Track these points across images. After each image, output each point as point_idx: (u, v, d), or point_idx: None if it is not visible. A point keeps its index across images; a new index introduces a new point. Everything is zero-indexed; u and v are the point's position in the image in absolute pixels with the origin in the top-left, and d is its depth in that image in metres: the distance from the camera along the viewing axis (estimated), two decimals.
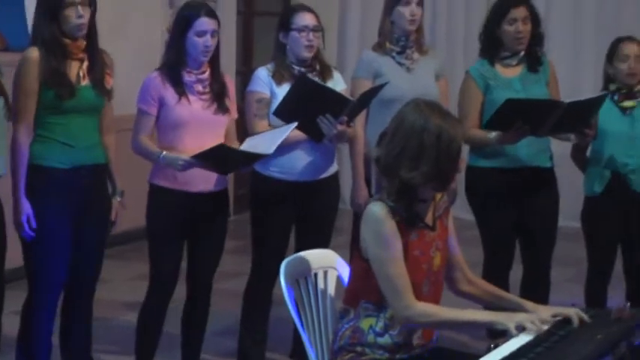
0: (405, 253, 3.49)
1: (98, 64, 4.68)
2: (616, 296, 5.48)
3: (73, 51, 4.58)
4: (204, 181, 4.89)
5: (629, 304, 3.81)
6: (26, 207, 4.55)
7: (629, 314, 3.62)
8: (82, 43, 4.61)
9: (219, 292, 5.91)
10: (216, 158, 4.71)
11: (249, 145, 4.87)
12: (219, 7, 9.76)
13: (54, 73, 4.53)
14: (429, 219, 3.60)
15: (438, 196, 3.65)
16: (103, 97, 4.72)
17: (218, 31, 4.88)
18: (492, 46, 5.54)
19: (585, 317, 3.54)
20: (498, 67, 5.53)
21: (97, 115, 4.72)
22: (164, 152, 4.77)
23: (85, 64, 4.63)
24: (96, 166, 4.73)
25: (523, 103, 5.16)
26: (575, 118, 5.21)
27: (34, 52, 4.55)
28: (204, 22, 4.80)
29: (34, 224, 4.55)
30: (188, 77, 4.88)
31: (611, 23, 9.60)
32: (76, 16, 4.51)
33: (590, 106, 5.25)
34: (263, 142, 4.84)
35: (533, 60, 5.54)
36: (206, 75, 4.92)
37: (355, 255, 3.62)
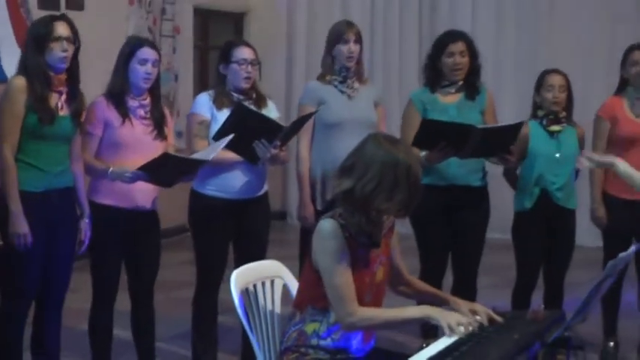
0: (351, 266, 3.50)
1: (77, 97, 4.70)
2: (536, 300, 5.52)
3: (55, 83, 4.59)
4: (144, 198, 4.90)
5: (542, 306, 3.86)
6: (24, 225, 4.53)
7: (543, 315, 3.67)
8: (64, 77, 4.63)
9: (174, 300, 5.92)
10: (160, 169, 4.71)
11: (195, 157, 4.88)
12: (179, 42, 9.81)
13: (38, 99, 4.53)
14: (375, 237, 3.61)
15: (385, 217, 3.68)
16: (76, 127, 4.72)
17: (159, 62, 4.93)
18: (434, 76, 5.58)
19: (496, 316, 3.58)
20: (438, 95, 5.55)
21: (69, 143, 4.71)
22: (112, 167, 4.77)
23: (64, 96, 4.64)
24: (66, 189, 4.71)
25: (438, 124, 5.19)
26: (493, 144, 5.23)
27: (20, 80, 4.56)
28: (147, 52, 4.85)
29: (29, 243, 4.55)
30: (131, 102, 4.89)
31: (527, 60, 9.74)
32: (61, 49, 4.53)
33: (507, 133, 5.25)
34: (201, 154, 4.86)
35: (471, 89, 5.57)
36: (147, 102, 4.94)
37: (306, 266, 3.62)
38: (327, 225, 3.50)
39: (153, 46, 4.97)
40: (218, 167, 5.07)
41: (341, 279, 3.46)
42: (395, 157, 3.44)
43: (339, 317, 3.49)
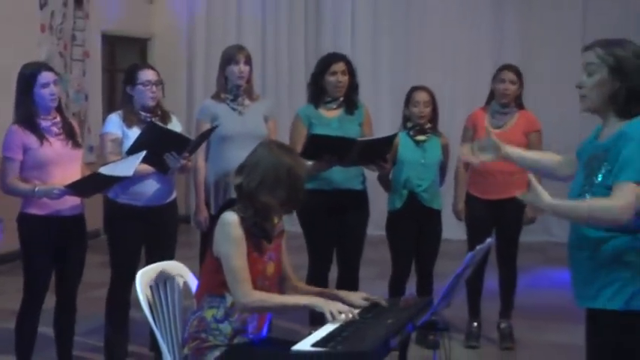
0: (247, 254, 3.55)
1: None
2: (409, 289, 5.60)
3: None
4: (67, 206, 4.84)
5: (413, 294, 3.92)
6: None
7: (413, 302, 3.72)
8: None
9: (89, 299, 5.80)
10: (86, 185, 4.67)
11: (108, 170, 4.81)
12: (89, 65, 9.66)
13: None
14: (268, 231, 3.67)
15: (276, 220, 3.72)
16: None
17: (59, 81, 4.89)
18: (317, 93, 5.61)
19: (383, 301, 3.64)
20: (322, 110, 5.58)
21: None
22: (37, 187, 4.70)
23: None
24: None
25: (324, 138, 5.23)
26: (372, 153, 5.31)
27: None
28: (46, 76, 4.80)
29: None
30: (44, 123, 4.83)
31: (401, 76, 9.88)
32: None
33: (383, 144, 5.33)
34: (119, 167, 4.80)
35: (350, 104, 5.61)
36: (58, 119, 4.90)
37: (207, 256, 3.65)
38: (229, 216, 3.57)
39: (49, 68, 4.93)
40: (132, 178, 4.98)
41: (238, 262, 3.51)
42: (278, 159, 3.56)
43: (235, 298, 3.51)
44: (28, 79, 4.78)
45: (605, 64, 3.16)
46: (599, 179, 3.16)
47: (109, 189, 5.00)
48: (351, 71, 5.60)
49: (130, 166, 4.77)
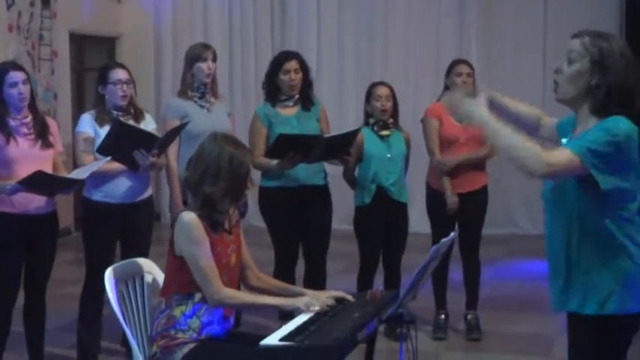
0: (211, 249, 3.53)
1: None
2: (377, 283, 5.61)
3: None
4: (36, 205, 4.82)
5: (381, 288, 3.92)
6: None
7: (380, 295, 3.73)
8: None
9: (61, 296, 5.79)
10: (37, 183, 4.65)
11: (74, 174, 4.85)
12: (57, 64, 9.59)
13: None
14: (226, 226, 3.66)
15: (231, 210, 3.70)
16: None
17: (29, 80, 4.85)
18: (273, 92, 5.59)
19: (350, 297, 3.64)
20: (279, 108, 5.56)
21: None
22: None
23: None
24: None
25: (293, 137, 5.24)
26: (336, 148, 5.33)
27: None
28: (14, 75, 4.77)
29: None
30: (13, 123, 4.81)
31: (366, 73, 9.90)
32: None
33: (346, 139, 5.36)
34: (82, 171, 4.84)
35: (306, 101, 5.60)
36: (29, 119, 4.87)
37: (169, 256, 3.62)
38: (186, 216, 3.54)
39: (18, 67, 4.90)
40: (105, 176, 5.04)
41: (205, 261, 3.50)
42: (220, 150, 3.55)
43: (207, 296, 3.50)
44: None
45: (589, 55, 2.98)
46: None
47: (68, 192, 4.95)
48: (304, 68, 5.59)
49: (88, 170, 4.82)
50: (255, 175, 5.73)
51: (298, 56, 5.63)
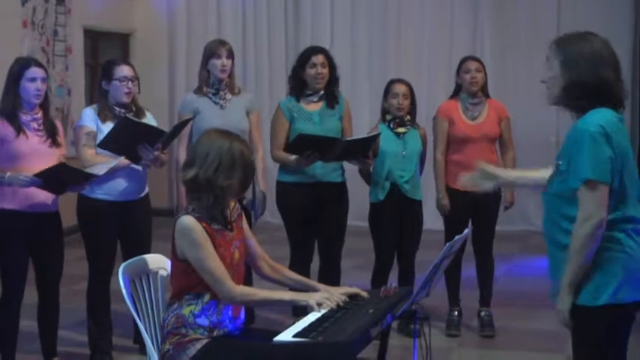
0: (214, 250, 3.52)
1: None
2: (391, 279, 5.61)
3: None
4: (39, 203, 4.83)
5: (394, 284, 3.92)
6: None
7: (394, 292, 3.73)
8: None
9: (71, 293, 5.79)
10: (54, 177, 4.66)
11: (93, 170, 4.86)
12: (71, 60, 9.62)
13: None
14: (227, 221, 3.64)
15: (232, 204, 3.70)
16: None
17: (47, 79, 4.87)
18: (298, 86, 5.59)
19: (364, 293, 3.64)
20: (303, 103, 5.56)
21: None
22: (8, 173, 4.68)
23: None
24: None
25: (311, 137, 5.24)
26: (354, 151, 5.34)
27: None
28: (35, 71, 4.80)
29: None
30: (24, 117, 4.83)
31: (379, 69, 9.89)
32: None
33: (365, 143, 5.35)
34: (94, 169, 4.87)
35: (331, 98, 5.59)
36: (39, 115, 4.89)
37: (172, 260, 3.61)
38: (185, 220, 3.51)
39: (40, 64, 4.91)
40: (106, 173, 4.99)
41: (212, 263, 3.47)
42: (228, 143, 3.55)
43: (220, 296, 3.49)
44: (17, 72, 4.80)
45: (557, 59, 3.20)
46: (554, 185, 3.23)
47: (79, 189, 4.95)
48: (331, 64, 5.59)
49: (104, 167, 4.84)
50: (273, 170, 5.73)
51: (326, 51, 5.63)
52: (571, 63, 3.16)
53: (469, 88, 5.72)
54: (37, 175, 4.63)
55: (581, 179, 3.07)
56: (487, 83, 5.82)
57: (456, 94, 5.84)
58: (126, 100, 5.12)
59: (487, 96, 5.83)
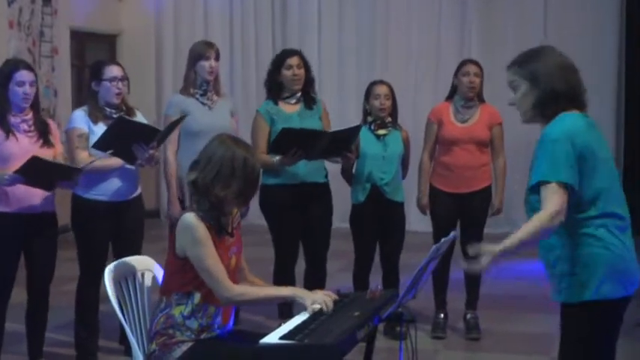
0: None
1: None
2: (375, 281, 5.60)
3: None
4: (34, 203, 4.82)
5: (380, 286, 3.91)
6: None
7: (379, 294, 3.73)
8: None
9: (59, 293, 5.76)
10: (35, 172, 4.65)
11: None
12: (57, 61, 9.58)
13: None
14: (228, 226, 3.63)
15: (234, 211, 3.68)
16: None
17: (36, 82, 4.86)
18: (275, 89, 5.59)
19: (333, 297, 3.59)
20: (281, 105, 5.56)
21: None
22: None
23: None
24: None
25: (296, 131, 5.23)
26: (338, 145, 5.31)
27: None
28: (23, 74, 4.79)
29: None
30: (14, 119, 4.82)
31: (367, 71, 9.90)
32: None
33: (349, 135, 5.34)
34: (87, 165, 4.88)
35: (308, 99, 5.60)
36: (30, 117, 4.88)
37: (169, 256, 3.59)
38: (189, 218, 3.50)
39: (29, 67, 4.89)
40: (99, 173, 5.05)
41: (211, 261, 3.46)
42: (232, 152, 3.50)
43: (217, 295, 3.48)
44: (5, 75, 4.79)
45: (524, 79, 3.33)
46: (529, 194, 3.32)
47: (69, 185, 4.92)
48: (306, 66, 5.59)
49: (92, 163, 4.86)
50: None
51: (300, 53, 5.63)
52: (539, 77, 3.30)
53: (466, 92, 5.72)
54: (17, 172, 4.62)
55: (537, 180, 3.18)
56: (482, 87, 5.82)
57: (451, 95, 5.84)
58: (116, 100, 5.10)
59: (482, 100, 5.83)
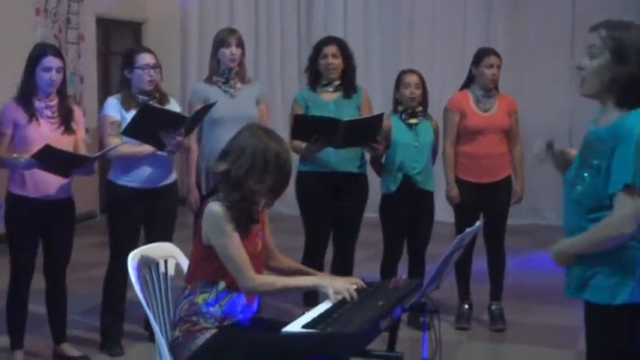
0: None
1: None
2: (403, 271, 5.58)
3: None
4: (51, 189, 4.87)
5: (404, 276, 3.89)
6: None
7: (403, 284, 3.70)
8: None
9: (85, 279, 5.81)
10: (50, 159, 4.69)
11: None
12: (83, 48, 9.62)
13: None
14: (255, 214, 3.60)
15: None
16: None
17: (63, 68, 4.88)
18: (313, 76, 5.60)
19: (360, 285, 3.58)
20: (319, 93, 5.57)
21: None
22: (15, 154, 4.75)
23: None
24: None
25: (310, 118, 5.25)
26: (362, 134, 5.29)
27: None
28: (50, 60, 4.81)
29: None
30: (39, 104, 4.86)
31: (392, 59, 9.85)
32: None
33: (369, 124, 5.30)
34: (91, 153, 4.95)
35: (347, 87, 5.58)
36: (54, 102, 4.91)
37: (196, 245, 3.58)
38: (215, 207, 3.48)
39: (56, 53, 4.92)
40: (129, 160, 5.09)
41: (235, 251, 3.45)
42: (266, 144, 3.46)
43: (240, 285, 3.47)
44: (34, 59, 4.83)
45: (607, 48, 2.95)
46: (587, 178, 3.05)
47: (84, 172, 4.94)
48: (345, 54, 5.57)
49: (104, 152, 4.91)
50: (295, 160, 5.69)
51: (339, 41, 5.63)
52: (628, 52, 2.91)
53: (487, 84, 5.69)
54: (32, 157, 4.67)
55: (621, 184, 2.92)
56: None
57: (467, 84, 5.80)
58: (149, 87, 5.12)
59: (497, 89, 5.80)
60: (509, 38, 9.78)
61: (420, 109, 5.65)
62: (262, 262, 3.69)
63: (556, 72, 9.49)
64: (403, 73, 5.70)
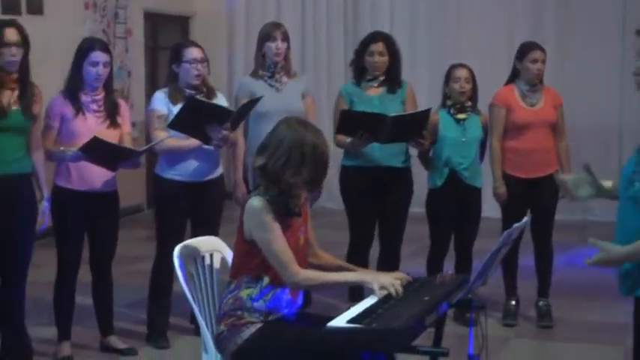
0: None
1: (28, 93, 4.60)
2: (450, 267, 5.55)
3: (7, 82, 4.52)
4: (97, 183, 4.92)
5: (450, 271, 3.86)
6: None
7: (450, 279, 3.67)
8: (15, 76, 4.55)
9: (132, 272, 5.86)
10: (97, 151, 4.73)
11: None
12: (131, 42, 9.70)
13: None
14: (296, 207, 3.59)
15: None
16: (29, 121, 4.63)
17: (110, 63, 4.92)
18: (359, 72, 5.60)
19: (405, 280, 3.55)
20: (364, 88, 5.57)
21: (23, 134, 4.63)
22: (62, 148, 4.81)
23: (16, 93, 4.55)
24: (21, 175, 4.63)
25: (356, 114, 5.24)
26: (406, 129, 5.26)
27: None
28: (97, 55, 4.85)
29: None
30: (85, 98, 4.91)
31: (439, 53, 9.79)
32: (10, 54, 4.48)
33: (416, 119, 5.28)
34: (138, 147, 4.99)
35: (392, 83, 5.57)
36: (100, 97, 4.95)
37: (238, 240, 3.58)
38: (256, 202, 3.47)
39: (104, 48, 4.95)
40: (175, 154, 5.12)
41: (278, 246, 3.44)
42: (302, 137, 3.44)
43: (284, 279, 3.47)
44: (82, 53, 4.87)
45: None
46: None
47: (131, 165, 4.97)
48: (392, 51, 5.55)
49: (150, 146, 4.95)
50: (339, 155, 5.69)
51: (385, 38, 5.62)
52: None
53: (532, 79, 5.64)
54: (80, 150, 4.72)
55: None
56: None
57: (512, 80, 5.74)
58: (196, 82, 5.15)
59: (541, 82, 5.74)
60: (559, 35, 9.66)
61: (470, 103, 5.61)
62: (306, 256, 3.68)
63: (606, 70, 9.37)
64: (453, 67, 5.66)
